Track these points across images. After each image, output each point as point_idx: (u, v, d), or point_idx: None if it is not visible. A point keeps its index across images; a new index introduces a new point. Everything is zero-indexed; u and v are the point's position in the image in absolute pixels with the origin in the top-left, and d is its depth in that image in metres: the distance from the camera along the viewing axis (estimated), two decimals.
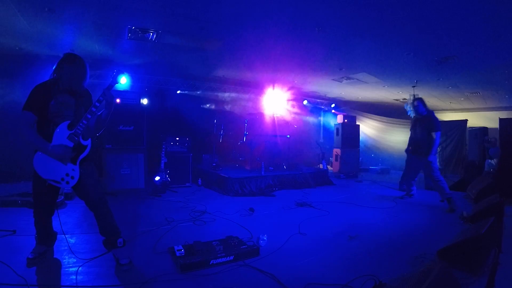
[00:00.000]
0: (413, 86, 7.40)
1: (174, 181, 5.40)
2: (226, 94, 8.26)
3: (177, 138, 5.54)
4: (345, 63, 6.43)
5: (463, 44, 4.56)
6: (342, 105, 11.30)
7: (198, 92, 7.59)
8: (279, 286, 2.15)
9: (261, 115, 7.48)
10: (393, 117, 10.44)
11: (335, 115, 11.16)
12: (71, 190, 4.33)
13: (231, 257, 2.50)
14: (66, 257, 2.49)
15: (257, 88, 9.31)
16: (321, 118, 11.56)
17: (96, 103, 2.23)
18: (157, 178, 5.08)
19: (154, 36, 4.49)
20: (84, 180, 2.30)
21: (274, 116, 7.61)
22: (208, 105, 8.10)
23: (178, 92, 7.14)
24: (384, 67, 6.32)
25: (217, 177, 5.78)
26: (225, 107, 8.44)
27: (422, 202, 5.02)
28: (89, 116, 2.22)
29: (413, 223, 3.81)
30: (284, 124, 7.59)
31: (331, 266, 2.52)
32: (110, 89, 2.27)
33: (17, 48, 4.84)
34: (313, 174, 6.72)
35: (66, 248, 2.64)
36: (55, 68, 2.30)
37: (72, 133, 2.19)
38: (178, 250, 2.50)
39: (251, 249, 2.65)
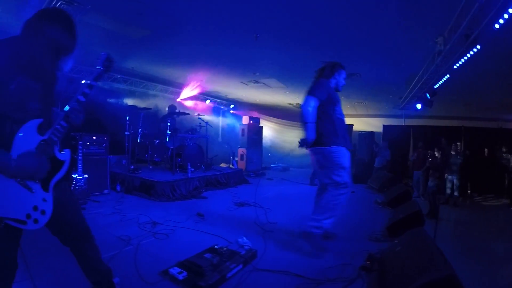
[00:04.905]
0: None
1: (90, 188, 4.37)
2: (135, 88, 7.32)
3: (94, 138, 4.48)
4: (259, 69, 6.95)
5: (365, 63, 5.80)
6: (240, 106, 11.90)
7: (107, 84, 6.37)
8: (300, 278, 2.29)
9: (180, 113, 7.02)
10: (287, 120, 11.88)
11: (234, 115, 11.67)
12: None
13: (241, 266, 2.41)
14: None
15: (168, 85, 8.72)
16: (221, 118, 11.80)
17: (80, 97, 1.49)
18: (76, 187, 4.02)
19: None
20: (61, 208, 1.49)
21: (193, 115, 7.34)
22: (118, 100, 6.92)
23: (83, 82, 5.78)
24: (294, 75, 7.20)
25: (142, 182, 5.08)
26: (136, 102, 7.45)
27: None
28: (72, 116, 1.47)
29: (346, 213, 4.30)
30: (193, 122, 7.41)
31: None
32: (98, 80, 1.60)
33: None
34: (232, 174, 6.89)
35: None
36: (27, 25, 1.41)
37: (45, 140, 1.39)
38: (178, 273, 2.20)
39: (251, 253, 2.62)
